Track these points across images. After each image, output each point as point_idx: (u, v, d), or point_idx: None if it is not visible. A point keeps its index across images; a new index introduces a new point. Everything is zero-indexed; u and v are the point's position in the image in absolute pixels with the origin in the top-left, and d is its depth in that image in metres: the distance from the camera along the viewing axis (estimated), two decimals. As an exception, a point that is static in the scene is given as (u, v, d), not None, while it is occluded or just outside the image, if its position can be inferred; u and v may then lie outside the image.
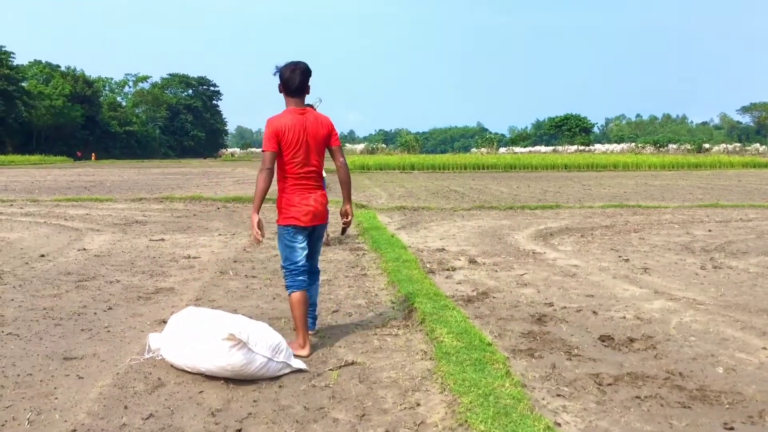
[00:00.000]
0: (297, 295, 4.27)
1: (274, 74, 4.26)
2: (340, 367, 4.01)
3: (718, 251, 8.30)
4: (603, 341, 4.51)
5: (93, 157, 64.51)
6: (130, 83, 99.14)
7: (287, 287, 4.33)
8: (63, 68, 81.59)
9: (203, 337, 3.77)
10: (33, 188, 20.06)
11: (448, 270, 7.06)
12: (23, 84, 69.73)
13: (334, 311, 5.36)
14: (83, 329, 4.81)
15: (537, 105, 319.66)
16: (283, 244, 4.31)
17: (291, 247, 4.28)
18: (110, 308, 5.42)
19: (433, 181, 26.38)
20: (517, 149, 77.59)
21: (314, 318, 4.65)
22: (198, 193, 16.86)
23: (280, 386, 3.73)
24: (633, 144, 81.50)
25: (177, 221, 11.61)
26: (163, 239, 9.35)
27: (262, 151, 4.18)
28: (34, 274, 6.77)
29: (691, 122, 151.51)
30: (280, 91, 4.27)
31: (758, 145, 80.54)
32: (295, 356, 4.07)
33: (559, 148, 78.64)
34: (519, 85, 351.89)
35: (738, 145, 79.08)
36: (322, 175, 4.62)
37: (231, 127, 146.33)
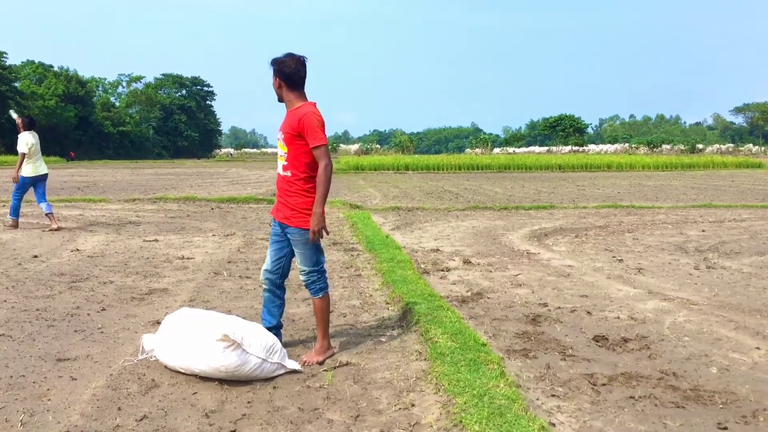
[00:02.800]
0: (328, 296, 4.26)
1: (272, 66, 4.03)
2: (334, 367, 4.01)
3: (712, 251, 8.33)
4: (597, 341, 4.52)
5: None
6: (124, 83, 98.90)
7: (321, 290, 4.19)
8: (56, 68, 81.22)
9: (197, 338, 3.76)
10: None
11: (442, 270, 7.06)
12: (16, 84, 69.39)
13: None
14: (76, 330, 4.78)
15: (531, 105, 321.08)
16: (316, 247, 4.17)
17: (321, 248, 4.24)
18: (104, 309, 5.39)
19: (427, 181, 26.39)
20: (512, 150, 77.83)
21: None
22: (192, 193, 16.81)
23: (274, 387, 3.72)
24: (627, 144, 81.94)
25: (171, 222, 11.57)
26: (156, 240, 9.32)
27: (319, 145, 3.92)
28: (26, 275, 6.74)
29: (685, 123, 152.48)
30: (281, 86, 4.05)
31: (751, 145, 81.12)
32: (290, 358, 4.06)
33: (553, 148, 78.99)
34: (513, 85, 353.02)
35: (731, 145, 79.65)
36: None
37: (225, 128, 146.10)
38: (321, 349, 4.19)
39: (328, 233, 4.12)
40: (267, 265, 4.30)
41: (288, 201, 4.08)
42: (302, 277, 4.20)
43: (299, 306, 5.57)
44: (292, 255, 4.26)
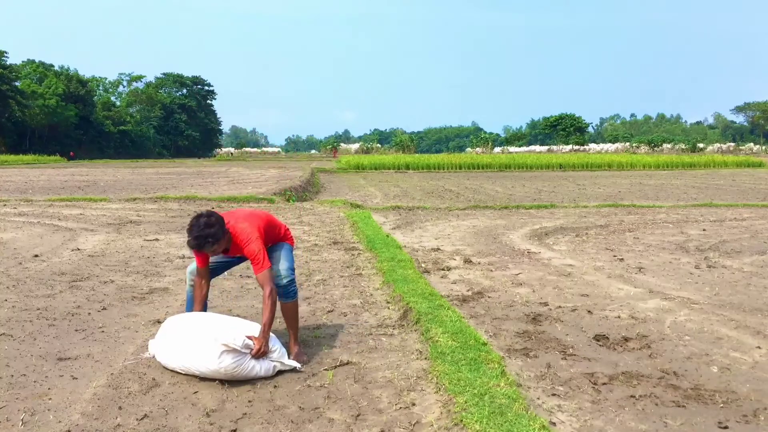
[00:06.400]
0: None
1: (204, 242, 3.92)
2: (335, 366, 4.01)
3: (713, 250, 8.33)
4: (598, 341, 4.52)
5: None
6: (124, 83, 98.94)
7: (295, 293, 4.31)
8: (56, 67, 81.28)
9: (196, 341, 3.75)
10: (26, 188, 19.97)
11: (443, 270, 7.06)
12: (16, 83, 69.39)
13: (329, 311, 5.36)
14: (77, 330, 4.79)
15: (532, 105, 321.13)
16: (292, 254, 4.44)
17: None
18: (104, 308, 5.40)
19: (428, 180, 26.39)
20: (512, 149, 77.86)
21: None
22: (192, 193, 16.81)
23: (275, 386, 3.72)
24: (627, 143, 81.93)
25: (171, 221, 11.57)
26: (157, 239, 9.32)
27: (266, 270, 3.98)
28: (27, 274, 6.74)
29: (686, 122, 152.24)
30: (226, 241, 4.02)
31: (752, 144, 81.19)
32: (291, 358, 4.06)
33: (554, 147, 79.05)
34: (514, 84, 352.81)
35: (732, 144, 79.66)
36: None
37: (225, 127, 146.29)
38: (301, 350, 4.25)
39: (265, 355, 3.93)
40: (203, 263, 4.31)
41: None
42: (284, 273, 4.23)
43: (300, 305, 5.56)
44: (224, 270, 4.58)
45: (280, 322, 4.96)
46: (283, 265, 4.29)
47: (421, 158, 42.01)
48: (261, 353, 3.82)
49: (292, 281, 4.30)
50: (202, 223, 3.89)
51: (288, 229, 4.65)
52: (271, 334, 3.96)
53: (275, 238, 4.39)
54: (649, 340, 4.51)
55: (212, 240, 3.90)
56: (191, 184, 21.20)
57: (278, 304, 4.38)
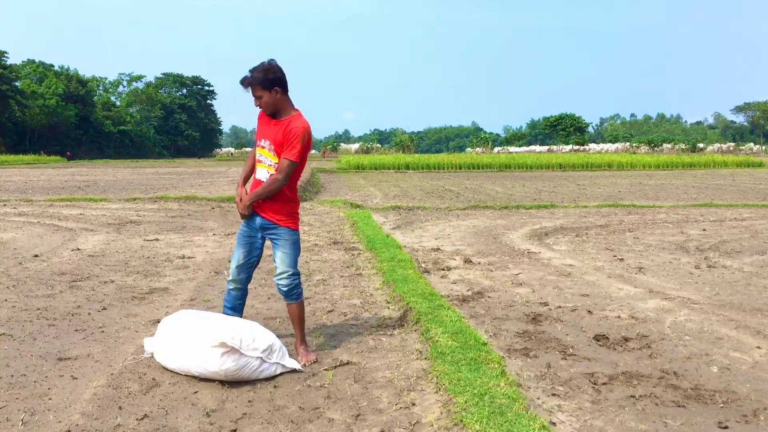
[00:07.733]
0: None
1: (259, 80, 3.88)
2: (335, 367, 4.01)
3: (713, 250, 8.33)
4: (598, 341, 4.52)
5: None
6: (124, 83, 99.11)
7: (299, 295, 4.18)
8: (56, 68, 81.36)
9: (195, 343, 3.74)
10: (26, 188, 19.97)
11: (443, 270, 7.06)
12: (17, 83, 69.41)
13: (329, 311, 5.35)
14: (77, 330, 4.78)
15: (532, 104, 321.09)
16: (299, 250, 4.20)
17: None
18: (104, 308, 5.40)
19: (428, 180, 26.39)
20: (512, 149, 77.92)
21: None
22: (192, 192, 16.80)
23: (275, 386, 3.72)
24: (627, 143, 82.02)
25: (171, 221, 11.57)
26: (157, 239, 9.32)
27: (289, 159, 3.90)
28: (27, 274, 6.74)
29: (686, 122, 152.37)
30: (278, 95, 3.93)
31: (752, 144, 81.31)
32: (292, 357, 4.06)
33: (554, 147, 79.10)
34: (514, 84, 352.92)
35: (732, 144, 79.78)
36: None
37: (225, 127, 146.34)
38: (308, 349, 4.21)
39: (243, 218, 4.15)
40: (239, 264, 4.21)
41: (273, 207, 4.07)
42: (284, 282, 4.11)
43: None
44: (261, 254, 4.28)
45: (280, 322, 4.97)
46: (286, 271, 4.11)
47: (421, 158, 41.99)
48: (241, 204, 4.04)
49: (297, 285, 4.15)
50: (260, 65, 3.92)
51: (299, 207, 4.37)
52: (270, 333, 3.96)
53: (291, 187, 4.10)
54: (649, 340, 4.51)
55: (252, 81, 3.89)
56: (191, 184, 21.19)
57: (284, 303, 4.33)
